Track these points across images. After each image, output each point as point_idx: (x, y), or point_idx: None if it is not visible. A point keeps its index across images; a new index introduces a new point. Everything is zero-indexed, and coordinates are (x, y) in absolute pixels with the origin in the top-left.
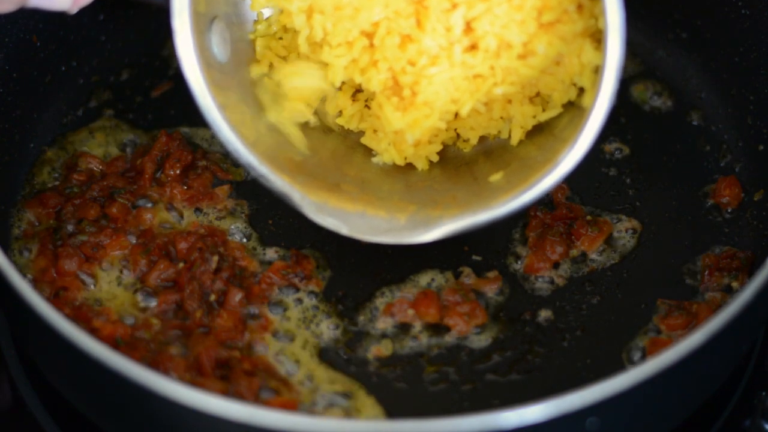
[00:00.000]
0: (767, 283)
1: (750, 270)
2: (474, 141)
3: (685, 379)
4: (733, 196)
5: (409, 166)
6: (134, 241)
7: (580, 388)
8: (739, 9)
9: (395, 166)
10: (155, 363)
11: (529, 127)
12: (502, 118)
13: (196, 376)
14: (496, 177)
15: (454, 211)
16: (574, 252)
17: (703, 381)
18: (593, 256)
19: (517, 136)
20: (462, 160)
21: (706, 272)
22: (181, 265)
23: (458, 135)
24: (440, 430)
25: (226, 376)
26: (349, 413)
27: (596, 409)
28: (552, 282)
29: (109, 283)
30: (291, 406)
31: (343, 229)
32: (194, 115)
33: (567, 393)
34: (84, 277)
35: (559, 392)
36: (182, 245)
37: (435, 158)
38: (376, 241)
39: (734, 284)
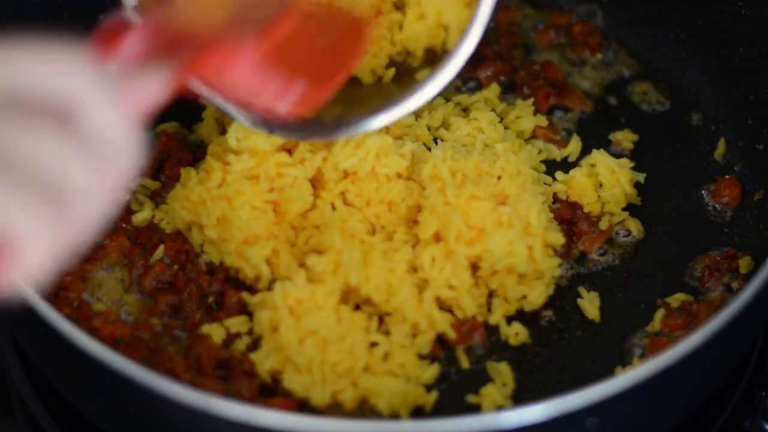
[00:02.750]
0: (767, 283)
1: (750, 270)
2: (420, 54)
3: (685, 379)
4: (733, 196)
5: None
6: (133, 241)
7: (580, 388)
8: (739, 9)
9: None
10: (155, 363)
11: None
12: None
13: (196, 376)
14: (423, 73)
15: (375, 105)
16: (574, 252)
17: (703, 381)
18: (593, 256)
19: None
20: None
21: (706, 272)
22: (176, 267)
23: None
24: (440, 430)
25: (226, 376)
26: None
27: (596, 409)
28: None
29: (109, 284)
30: (291, 406)
31: (276, 132)
32: (194, 115)
33: (567, 393)
34: (84, 277)
35: (559, 392)
36: (170, 246)
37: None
38: (303, 140)
39: (734, 284)
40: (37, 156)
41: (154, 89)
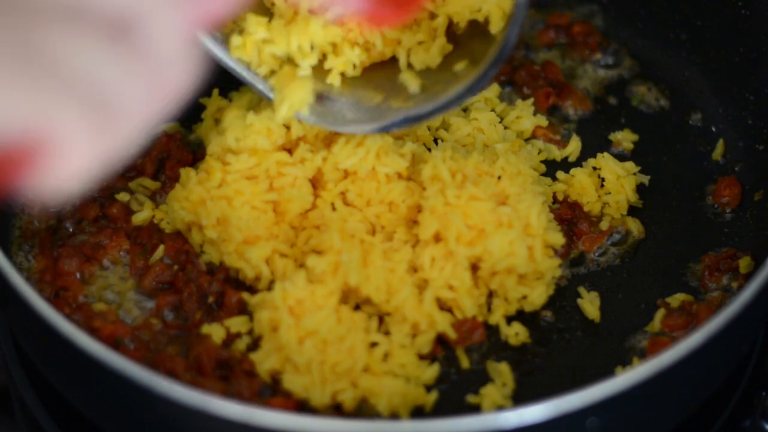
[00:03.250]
0: (767, 283)
1: (750, 270)
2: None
3: (685, 379)
4: (733, 196)
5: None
6: (133, 241)
7: (580, 388)
8: (739, 9)
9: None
10: (155, 363)
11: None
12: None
13: (196, 376)
14: (460, 65)
15: (412, 102)
16: (575, 252)
17: (703, 381)
18: (593, 256)
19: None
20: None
21: (706, 272)
22: (176, 267)
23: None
24: (440, 430)
25: (226, 376)
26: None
27: (596, 409)
28: None
29: (109, 284)
30: (291, 406)
31: (311, 119)
32: (194, 115)
33: (567, 393)
34: (84, 277)
35: (559, 392)
36: (170, 246)
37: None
38: (338, 131)
39: (734, 284)
40: (89, 64)
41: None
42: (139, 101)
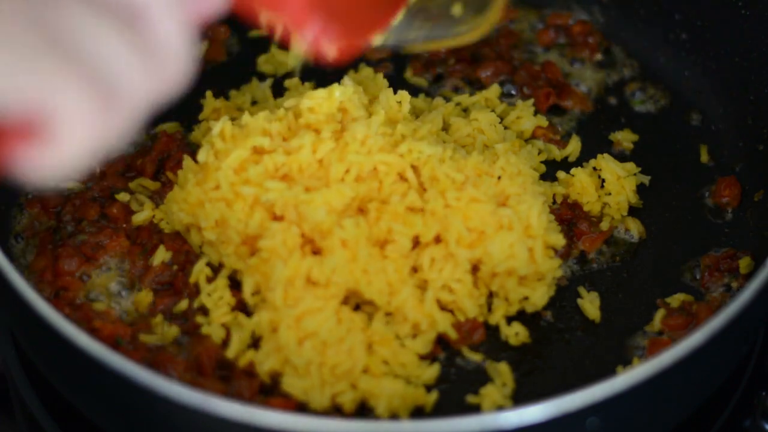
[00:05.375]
0: (767, 283)
1: (750, 270)
2: None
3: (685, 379)
4: (733, 196)
5: None
6: (133, 241)
7: (580, 388)
8: (739, 9)
9: None
10: (155, 363)
11: None
12: None
13: (196, 376)
14: (457, 8)
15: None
16: (575, 252)
17: (703, 381)
18: (593, 256)
19: None
20: None
21: (706, 272)
22: (176, 267)
23: None
24: (440, 430)
25: (226, 376)
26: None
27: (596, 409)
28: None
29: (109, 284)
30: (291, 406)
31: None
32: (194, 115)
33: (567, 393)
34: (84, 277)
35: (559, 392)
36: (170, 246)
37: None
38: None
39: (734, 284)
40: (96, 45)
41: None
42: (138, 87)
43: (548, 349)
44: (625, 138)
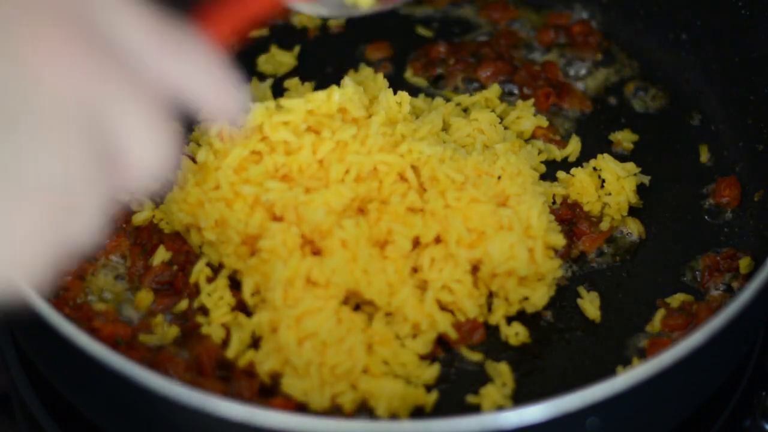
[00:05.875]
0: (767, 283)
1: (750, 270)
2: None
3: (685, 379)
4: (733, 196)
5: None
6: (133, 241)
7: (580, 388)
8: (739, 9)
9: None
10: (155, 363)
11: None
12: None
13: (196, 376)
14: None
15: None
16: (575, 252)
17: (703, 381)
18: (593, 256)
19: None
20: None
21: (706, 272)
22: (176, 267)
23: None
24: (440, 430)
25: (226, 376)
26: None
27: (596, 409)
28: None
29: (109, 284)
30: (291, 406)
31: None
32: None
33: (567, 393)
34: (84, 277)
35: (559, 392)
36: (170, 246)
37: None
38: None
39: (734, 284)
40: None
41: None
42: (146, 156)
43: (548, 349)
44: (625, 138)
